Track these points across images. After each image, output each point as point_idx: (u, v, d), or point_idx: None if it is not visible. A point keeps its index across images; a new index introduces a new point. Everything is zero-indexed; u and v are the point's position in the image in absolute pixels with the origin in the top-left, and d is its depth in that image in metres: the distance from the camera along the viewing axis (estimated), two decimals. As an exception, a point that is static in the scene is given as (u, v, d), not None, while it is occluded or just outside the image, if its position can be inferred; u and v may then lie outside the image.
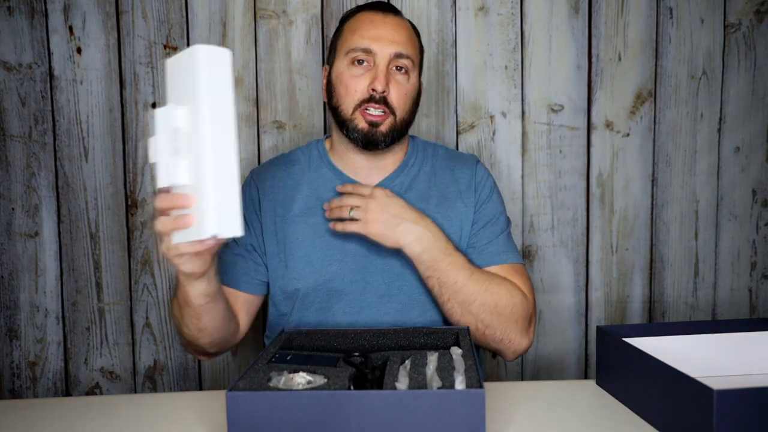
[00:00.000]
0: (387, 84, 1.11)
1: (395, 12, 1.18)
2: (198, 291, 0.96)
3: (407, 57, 1.14)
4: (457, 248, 1.13)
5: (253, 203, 1.20)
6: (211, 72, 0.77)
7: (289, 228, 1.17)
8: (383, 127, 1.13)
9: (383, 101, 1.12)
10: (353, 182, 1.19)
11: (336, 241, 1.15)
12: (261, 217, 1.19)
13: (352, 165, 1.20)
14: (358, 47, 1.12)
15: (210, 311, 1.01)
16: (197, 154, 0.77)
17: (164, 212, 0.83)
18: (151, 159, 0.82)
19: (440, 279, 1.09)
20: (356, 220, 1.10)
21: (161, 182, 0.80)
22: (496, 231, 1.19)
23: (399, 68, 1.13)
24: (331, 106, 1.18)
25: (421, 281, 1.13)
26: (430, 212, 1.17)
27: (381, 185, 1.19)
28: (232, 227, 0.78)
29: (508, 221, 1.24)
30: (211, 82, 0.77)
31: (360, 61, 1.13)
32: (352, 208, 1.10)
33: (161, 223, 0.83)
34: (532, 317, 1.15)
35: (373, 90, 1.11)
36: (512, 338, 1.12)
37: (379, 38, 1.12)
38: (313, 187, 1.20)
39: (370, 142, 1.13)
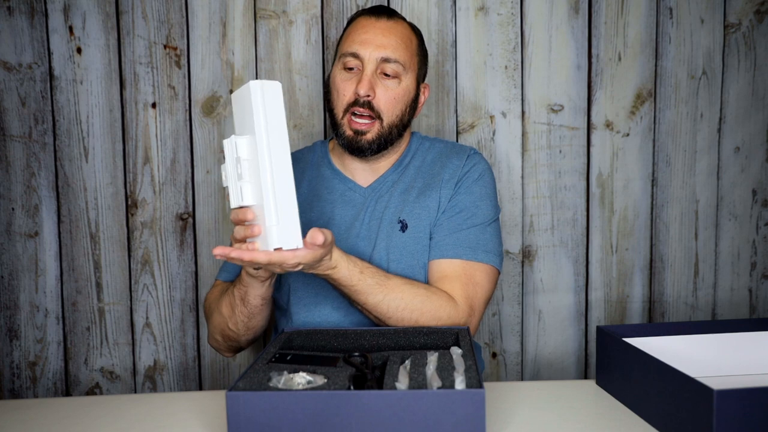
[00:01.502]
0: (372, 88, 1.12)
1: (390, 15, 1.18)
2: (258, 293, 1.06)
3: (396, 61, 1.14)
4: (373, 267, 1.08)
5: None
6: (264, 104, 0.87)
7: None
8: (369, 135, 1.14)
9: (368, 105, 1.13)
10: (350, 182, 1.23)
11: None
12: None
13: (349, 166, 1.23)
14: (347, 52, 1.15)
15: (261, 312, 1.11)
16: (258, 178, 0.88)
17: (239, 223, 0.93)
18: (223, 183, 0.94)
19: (348, 295, 1.07)
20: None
21: (232, 203, 0.93)
22: (464, 223, 1.16)
23: (387, 74, 1.14)
24: (328, 109, 1.21)
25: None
26: (409, 203, 1.19)
27: (374, 185, 1.22)
28: (293, 240, 0.89)
29: (493, 214, 1.20)
30: (266, 113, 0.87)
31: (350, 66, 1.15)
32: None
33: (236, 232, 0.93)
34: (468, 323, 1.11)
35: (357, 94, 1.12)
36: None
37: (366, 42, 1.14)
38: (312, 185, 1.24)
39: (355, 150, 1.16)
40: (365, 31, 1.15)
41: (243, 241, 0.93)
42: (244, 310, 1.09)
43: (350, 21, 1.22)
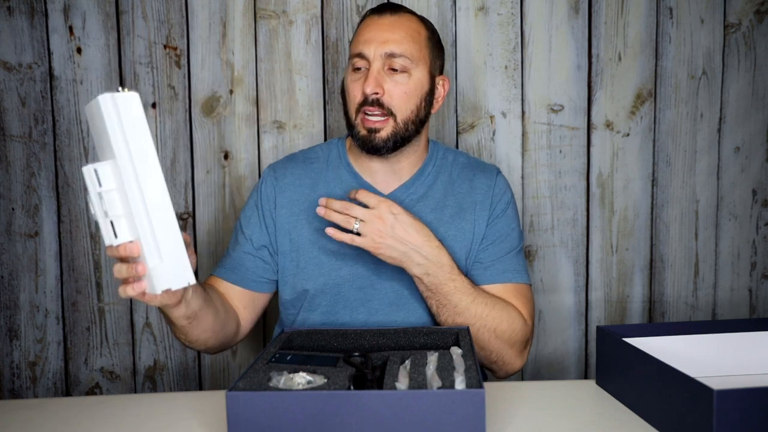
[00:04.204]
0: (380, 85, 1.10)
1: (394, 11, 1.16)
2: (178, 315, 0.97)
3: (402, 55, 1.11)
4: (462, 270, 1.11)
5: (268, 200, 1.20)
6: (121, 121, 0.73)
7: (303, 228, 1.17)
8: (383, 133, 1.11)
9: (378, 103, 1.11)
10: (369, 187, 1.19)
11: (349, 245, 1.11)
12: (275, 216, 1.18)
13: (368, 168, 1.19)
14: (354, 53, 1.14)
15: (196, 327, 1.03)
16: (130, 211, 0.74)
17: (120, 260, 0.82)
18: (92, 217, 0.79)
19: (440, 301, 1.08)
20: (360, 233, 1.05)
21: (105, 241, 0.77)
22: (505, 248, 1.18)
23: (395, 69, 1.11)
24: (344, 112, 1.18)
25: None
26: (443, 222, 1.17)
27: (396, 193, 1.18)
28: (183, 277, 0.77)
29: (521, 237, 1.23)
30: (125, 133, 0.73)
31: (358, 66, 1.13)
32: (357, 220, 1.04)
33: (117, 270, 0.81)
34: (529, 340, 1.16)
35: (365, 93, 1.11)
36: (506, 360, 1.13)
37: (370, 41, 1.12)
38: (330, 187, 1.20)
39: (370, 148, 1.13)
40: (369, 30, 1.14)
41: (126, 281, 0.82)
42: (176, 329, 1.04)
43: (359, 22, 1.19)
